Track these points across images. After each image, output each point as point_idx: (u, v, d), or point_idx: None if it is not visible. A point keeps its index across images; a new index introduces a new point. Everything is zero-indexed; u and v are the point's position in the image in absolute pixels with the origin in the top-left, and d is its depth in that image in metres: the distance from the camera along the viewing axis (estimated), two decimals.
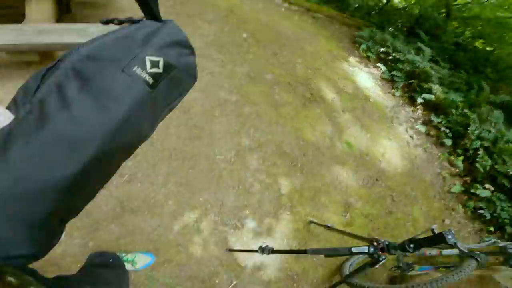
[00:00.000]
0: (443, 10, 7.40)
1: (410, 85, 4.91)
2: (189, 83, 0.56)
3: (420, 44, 5.56)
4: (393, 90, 4.86)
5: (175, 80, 0.50)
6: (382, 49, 5.52)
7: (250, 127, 2.97)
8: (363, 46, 5.60)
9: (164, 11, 4.38)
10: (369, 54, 5.51)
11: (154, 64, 0.45)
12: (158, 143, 2.55)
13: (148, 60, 0.45)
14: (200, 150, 2.64)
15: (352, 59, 5.25)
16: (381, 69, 5.17)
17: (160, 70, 0.46)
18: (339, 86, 4.26)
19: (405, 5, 8.45)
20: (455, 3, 7.56)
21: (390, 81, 5.06)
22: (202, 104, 3.00)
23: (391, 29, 6.55)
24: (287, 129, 3.14)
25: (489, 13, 7.00)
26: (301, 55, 4.58)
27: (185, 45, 0.53)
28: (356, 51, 5.61)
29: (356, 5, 7.68)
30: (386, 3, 8.13)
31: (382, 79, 5.09)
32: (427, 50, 5.35)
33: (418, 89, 4.72)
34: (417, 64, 4.89)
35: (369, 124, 3.84)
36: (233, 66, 3.66)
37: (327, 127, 3.43)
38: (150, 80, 0.44)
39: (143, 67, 0.44)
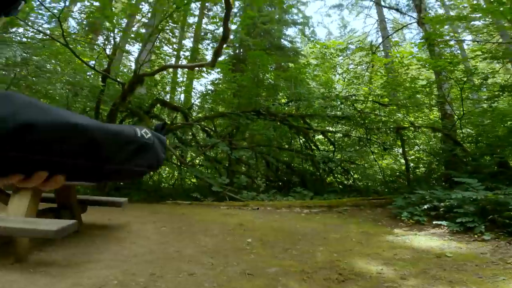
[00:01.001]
0: None
1: (493, 222, 4.03)
2: (150, 163, 0.66)
3: (457, 179, 5.24)
4: (476, 236, 3.91)
5: (146, 150, 0.64)
6: (426, 206, 4.96)
7: None
8: (405, 214, 5.00)
9: (170, 231, 4.40)
10: (417, 218, 4.85)
11: (146, 133, 0.63)
12: None
13: (144, 129, 0.63)
14: None
15: (398, 230, 4.51)
16: (444, 225, 4.39)
17: (146, 137, 0.63)
18: (387, 257, 3.40)
19: None
20: None
21: (466, 230, 4.14)
22: None
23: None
24: None
25: None
26: (324, 244, 3.97)
27: (164, 147, 0.72)
28: (401, 223, 4.90)
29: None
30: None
31: (453, 233, 4.19)
32: (473, 181, 4.78)
33: (508, 221, 3.85)
34: (479, 198, 4.24)
35: (465, 278, 2.80)
36: (224, 267, 3.19)
37: None
38: (138, 133, 0.62)
39: (140, 129, 0.62)
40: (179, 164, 8.48)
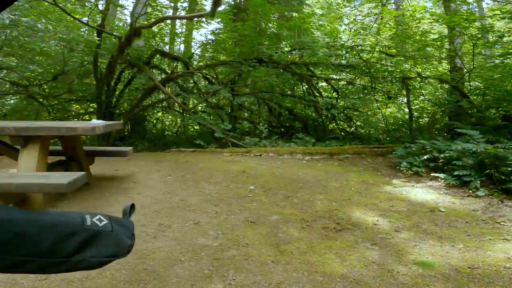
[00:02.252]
0: None
1: (490, 177, 4.05)
2: (110, 252, 0.62)
3: (459, 130, 5.13)
4: (470, 191, 3.98)
5: (103, 238, 0.61)
6: (426, 157, 4.97)
7: (229, 269, 2.29)
8: (404, 164, 5.02)
9: (174, 180, 4.46)
10: (415, 169, 4.87)
11: (100, 220, 0.59)
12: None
13: (98, 216, 0.61)
14: None
15: (396, 181, 4.56)
16: (441, 178, 4.44)
17: (99, 224, 0.59)
18: (384, 208, 3.52)
19: None
20: None
21: (461, 184, 4.20)
22: (169, 250, 2.54)
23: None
24: (292, 266, 2.35)
25: None
26: (323, 192, 4.03)
27: (131, 232, 0.69)
28: (400, 173, 4.93)
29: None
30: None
31: (449, 186, 4.24)
32: (475, 133, 4.63)
33: (504, 177, 3.89)
34: (478, 151, 4.23)
35: (454, 234, 2.88)
36: (228, 215, 3.29)
37: (370, 253, 2.55)
38: (88, 221, 0.59)
39: (92, 217, 0.60)
40: (181, 111, 8.50)
